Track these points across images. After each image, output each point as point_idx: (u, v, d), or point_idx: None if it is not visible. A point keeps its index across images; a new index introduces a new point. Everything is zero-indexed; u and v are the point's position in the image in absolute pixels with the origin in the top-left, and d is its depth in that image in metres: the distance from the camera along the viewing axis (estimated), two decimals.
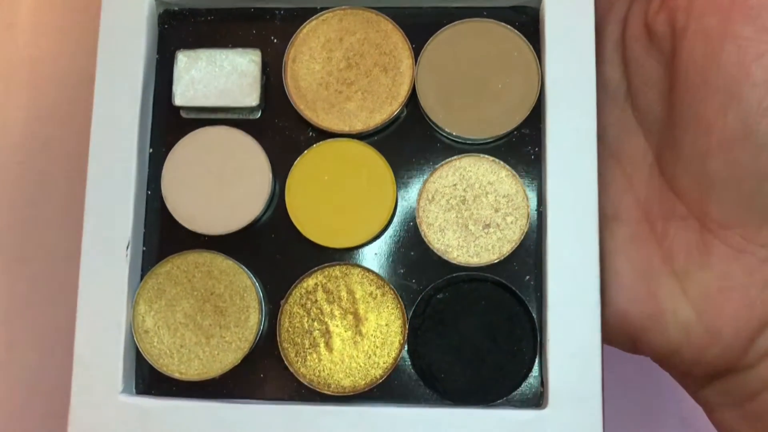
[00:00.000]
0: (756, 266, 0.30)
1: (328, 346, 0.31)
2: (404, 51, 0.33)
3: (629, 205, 0.32)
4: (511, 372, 0.31)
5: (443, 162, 0.32)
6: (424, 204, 0.32)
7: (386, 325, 0.31)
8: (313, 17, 0.33)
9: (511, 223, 0.31)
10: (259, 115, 0.33)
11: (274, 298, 0.32)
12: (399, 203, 0.32)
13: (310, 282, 0.32)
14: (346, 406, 0.30)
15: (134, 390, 0.32)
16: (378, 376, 0.31)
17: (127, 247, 0.32)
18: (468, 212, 0.31)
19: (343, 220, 0.32)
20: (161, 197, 0.32)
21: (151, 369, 0.32)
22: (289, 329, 0.31)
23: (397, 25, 0.33)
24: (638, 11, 0.32)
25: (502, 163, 0.32)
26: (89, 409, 0.30)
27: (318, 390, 0.31)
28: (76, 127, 0.42)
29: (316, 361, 0.31)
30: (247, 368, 0.31)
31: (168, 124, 0.33)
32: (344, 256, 0.32)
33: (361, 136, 0.32)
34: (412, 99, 0.32)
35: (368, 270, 0.32)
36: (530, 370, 0.31)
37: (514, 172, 0.32)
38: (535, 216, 0.32)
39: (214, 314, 0.32)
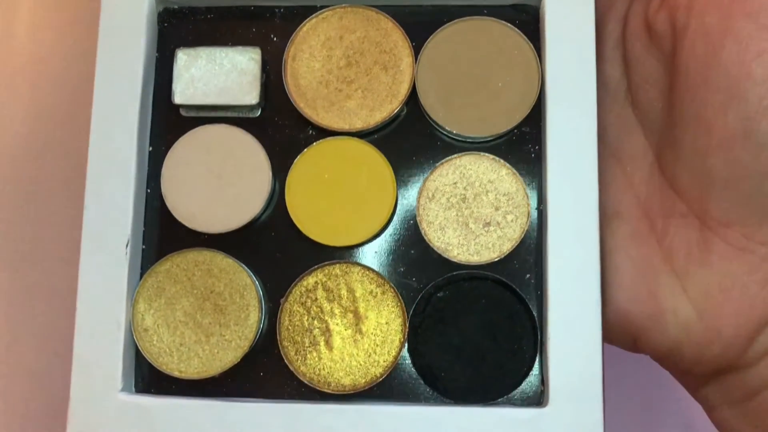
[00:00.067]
0: (756, 264, 0.30)
1: (328, 344, 0.31)
2: (404, 49, 0.32)
3: (629, 204, 0.32)
4: (511, 370, 0.31)
5: (443, 160, 0.32)
6: (425, 202, 0.32)
7: (386, 323, 0.31)
8: (313, 15, 0.33)
9: (512, 221, 0.31)
10: (259, 113, 0.33)
11: (274, 296, 0.32)
12: (399, 201, 0.32)
13: (310, 280, 0.32)
14: (346, 405, 0.30)
15: (134, 388, 0.32)
16: (378, 375, 0.31)
17: (127, 246, 0.31)
18: (468, 210, 0.31)
19: (343, 219, 0.32)
20: (161, 195, 0.32)
21: (151, 367, 0.31)
22: (289, 327, 0.31)
23: (398, 23, 0.33)
24: (639, 9, 0.32)
25: (502, 161, 0.32)
26: (89, 407, 0.30)
27: (318, 388, 0.31)
28: (76, 127, 0.42)
29: (316, 359, 0.31)
30: (246, 367, 0.31)
31: (168, 122, 0.33)
32: (344, 254, 0.32)
33: (361, 135, 0.32)
34: (413, 97, 0.32)
35: (368, 268, 0.32)
36: (531, 368, 0.31)
37: (515, 171, 0.32)
38: (536, 214, 0.32)
39: (214, 313, 0.32)
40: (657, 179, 0.32)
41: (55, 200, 0.42)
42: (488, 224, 0.31)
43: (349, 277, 0.32)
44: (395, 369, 0.31)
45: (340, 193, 0.32)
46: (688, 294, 0.31)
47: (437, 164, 0.32)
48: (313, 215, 0.32)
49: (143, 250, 0.32)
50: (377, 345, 0.31)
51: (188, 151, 0.32)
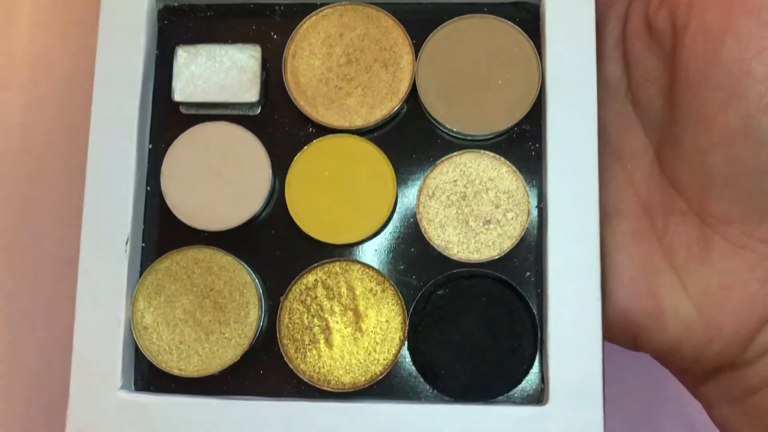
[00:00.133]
0: (756, 262, 0.30)
1: (328, 342, 0.31)
2: (404, 47, 0.32)
3: (629, 202, 0.32)
4: (511, 368, 0.31)
5: (443, 158, 0.32)
6: (425, 200, 0.32)
7: (386, 321, 0.31)
8: (313, 13, 0.33)
9: (512, 219, 0.31)
10: (259, 110, 0.33)
11: (274, 294, 0.32)
12: (399, 199, 0.32)
13: (310, 278, 0.32)
14: (346, 403, 0.30)
15: (133, 386, 0.32)
16: (378, 373, 0.31)
17: (127, 243, 0.31)
18: (468, 208, 0.31)
19: (343, 216, 0.32)
20: (161, 193, 0.32)
21: (150, 365, 0.31)
22: (289, 325, 0.31)
23: (398, 20, 0.33)
24: (639, 8, 0.32)
25: (502, 159, 0.32)
26: (88, 405, 0.30)
27: (318, 386, 0.31)
28: (76, 125, 0.42)
29: (316, 357, 0.31)
30: (246, 365, 0.31)
31: (167, 119, 0.33)
32: (344, 252, 0.32)
33: (361, 132, 0.32)
34: (413, 95, 0.32)
35: (368, 266, 0.32)
36: (531, 366, 0.31)
37: (515, 168, 0.32)
38: (536, 212, 0.32)
39: (214, 310, 0.31)
40: (657, 177, 0.32)
41: (55, 198, 0.42)
42: (488, 222, 0.31)
43: (349, 275, 0.32)
44: (395, 367, 0.31)
45: (340, 190, 0.32)
46: (688, 292, 0.31)
47: (437, 162, 0.32)
48: (313, 213, 0.32)
49: (143, 247, 0.32)
50: (377, 343, 0.31)
51: (188, 149, 0.32)
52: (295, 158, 0.32)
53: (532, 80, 0.32)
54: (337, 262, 0.32)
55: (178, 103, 0.33)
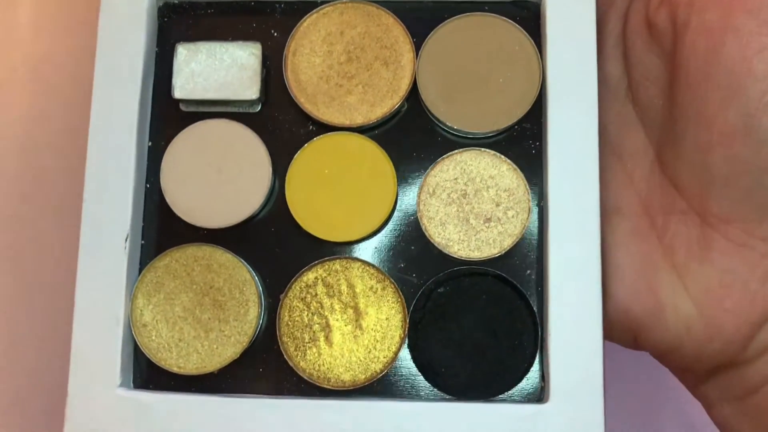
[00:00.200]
0: (756, 261, 0.30)
1: (328, 340, 0.31)
2: (405, 45, 0.32)
3: (630, 200, 0.32)
4: (511, 366, 0.31)
5: (444, 156, 0.32)
6: (425, 198, 0.32)
7: (386, 319, 0.31)
8: (314, 10, 0.33)
9: (512, 217, 0.31)
10: (259, 108, 0.33)
11: (274, 291, 0.32)
12: (399, 197, 0.32)
13: (310, 276, 0.32)
14: (346, 401, 0.30)
15: (132, 384, 0.31)
16: (378, 371, 0.31)
17: (126, 240, 0.31)
18: (469, 206, 0.31)
19: (344, 214, 0.32)
20: (160, 190, 0.32)
21: (149, 363, 0.31)
22: (289, 323, 0.31)
23: (398, 18, 0.33)
24: (639, 6, 0.32)
25: (503, 157, 0.32)
26: (87, 402, 0.30)
27: (318, 384, 0.31)
28: (76, 123, 0.42)
29: (316, 355, 0.31)
30: (246, 362, 0.31)
31: (167, 117, 0.33)
32: (344, 250, 0.32)
33: (361, 130, 0.32)
34: (413, 93, 0.32)
35: (369, 264, 0.31)
36: (531, 364, 0.31)
37: (516, 167, 0.32)
38: (536, 210, 0.32)
39: (213, 308, 0.31)
40: (657, 176, 0.32)
41: (55, 197, 0.42)
42: (489, 220, 0.31)
43: (350, 273, 0.31)
44: (395, 365, 0.31)
45: (340, 188, 0.32)
46: (688, 290, 0.31)
47: (438, 160, 0.32)
48: (313, 211, 0.32)
49: (142, 245, 0.32)
50: (377, 341, 0.31)
51: (188, 146, 0.32)
52: (295, 156, 0.32)
53: (532, 79, 0.32)
54: (338, 260, 0.32)
55: (178, 101, 0.33)
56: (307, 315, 0.31)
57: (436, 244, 0.31)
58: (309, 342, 0.31)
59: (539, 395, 0.31)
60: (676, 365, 0.33)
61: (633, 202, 0.32)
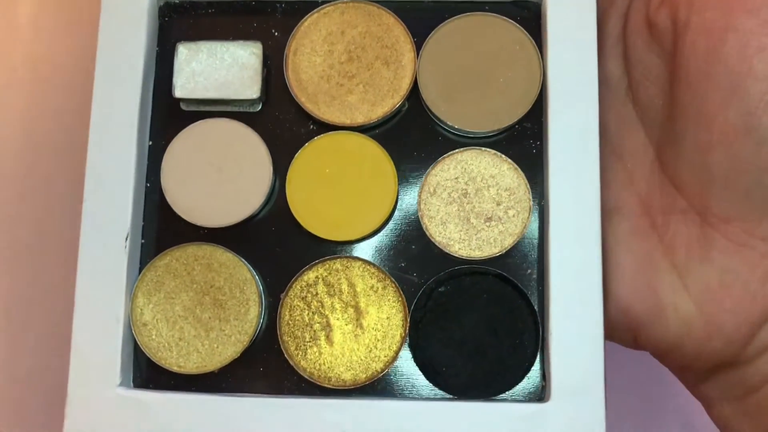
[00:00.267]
0: (757, 260, 0.30)
1: (329, 339, 0.31)
2: (406, 44, 0.32)
3: (630, 200, 0.32)
4: (512, 366, 0.31)
5: (445, 155, 0.32)
6: (426, 197, 0.32)
7: (387, 318, 0.31)
8: (315, 10, 0.33)
9: (513, 216, 0.31)
10: (260, 107, 0.33)
11: (274, 291, 0.32)
12: (400, 196, 0.32)
13: (310, 275, 0.32)
14: (347, 400, 0.30)
15: (132, 383, 0.31)
16: (379, 370, 0.31)
17: (126, 240, 0.31)
18: (470, 205, 0.31)
19: (344, 213, 0.32)
20: (161, 189, 0.32)
21: (149, 362, 0.31)
22: (290, 322, 0.31)
23: (399, 18, 0.33)
24: (640, 6, 0.32)
25: (504, 156, 0.32)
26: (86, 402, 0.30)
27: (318, 383, 0.31)
28: (76, 124, 0.42)
29: (317, 354, 0.31)
30: (246, 362, 0.31)
31: (168, 116, 0.33)
32: (345, 249, 0.32)
33: (362, 129, 0.32)
34: (414, 92, 0.32)
35: (369, 263, 0.31)
36: (532, 363, 0.31)
37: (516, 166, 0.32)
38: (537, 209, 0.32)
39: (214, 307, 0.31)
40: (657, 175, 0.32)
41: (55, 196, 0.42)
42: (490, 219, 0.31)
43: (350, 272, 0.31)
44: (396, 364, 0.31)
45: (341, 187, 0.32)
46: (688, 290, 0.31)
47: (439, 159, 0.32)
48: (313, 210, 0.32)
49: (142, 244, 0.32)
50: (378, 340, 0.31)
51: (188, 145, 0.32)
52: (296, 155, 0.32)
53: (533, 78, 0.32)
54: (338, 259, 0.32)
55: (179, 100, 0.33)
56: (308, 314, 0.31)
57: (436, 244, 0.31)
58: (310, 341, 0.31)
59: (540, 394, 0.31)
60: (676, 365, 0.33)
61: (633, 201, 0.32)
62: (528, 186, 0.31)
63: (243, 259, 0.32)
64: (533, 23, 0.33)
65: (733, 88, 0.28)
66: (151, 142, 0.33)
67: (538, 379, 0.31)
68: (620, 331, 0.32)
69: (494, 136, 0.32)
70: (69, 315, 0.31)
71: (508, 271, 0.31)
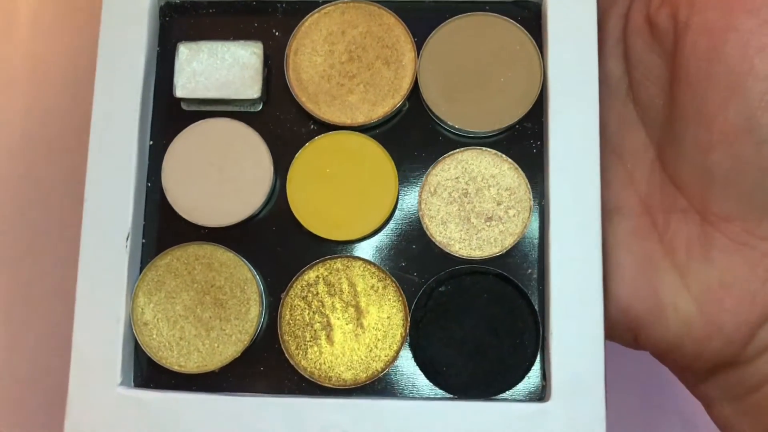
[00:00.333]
0: (757, 260, 0.30)
1: (330, 338, 0.31)
2: (406, 44, 0.33)
3: (630, 200, 0.32)
4: (513, 365, 0.31)
5: (445, 155, 0.32)
6: (426, 197, 0.32)
7: (388, 318, 0.31)
8: (316, 10, 0.33)
9: (514, 216, 0.31)
10: (261, 107, 0.33)
11: (275, 290, 0.32)
12: (401, 196, 0.32)
13: (311, 274, 0.32)
14: (347, 399, 0.30)
15: (132, 383, 0.31)
16: (379, 369, 0.31)
17: (127, 239, 0.31)
18: (470, 205, 0.31)
19: (345, 213, 0.32)
20: (161, 189, 0.32)
21: (150, 362, 0.31)
22: (290, 322, 0.31)
23: (400, 18, 0.33)
24: (640, 6, 0.32)
25: (504, 156, 0.32)
26: (87, 401, 0.30)
27: (319, 383, 0.31)
28: (77, 122, 0.42)
29: (317, 353, 0.31)
30: (247, 361, 0.31)
31: (169, 116, 0.33)
32: (346, 248, 0.32)
33: (363, 129, 0.32)
34: (415, 92, 0.32)
35: (370, 263, 0.31)
36: (532, 363, 0.31)
37: (517, 166, 0.32)
38: (538, 209, 0.32)
39: (214, 307, 0.31)
40: (658, 175, 0.32)
41: (55, 196, 0.42)
42: (490, 219, 0.31)
43: (351, 272, 0.31)
44: (396, 364, 0.31)
45: (341, 187, 0.32)
46: (689, 289, 0.31)
47: (439, 159, 0.32)
48: (314, 210, 0.32)
49: (143, 243, 0.32)
50: (378, 339, 0.31)
51: (189, 145, 0.32)
52: (296, 155, 0.32)
53: (533, 78, 0.32)
54: (339, 259, 0.32)
55: (180, 100, 0.33)
56: (309, 314, 0.31)
57: (437, 243, 0.31)
58: (310, 340, 0.31)
59: (540, 394, 0.31)
60: (676, 364, 0.33)
61: (633, 201, 0.32)
62: (528, 186, 0.31)
63: (244, 259, 0.32)
64: (534, 23, 0.33)
65: (733, 87, 0.28)
66: (151, 142, 0.33)
67: (539, 378, 0.31)
68: (620, 330, 0.32)
69: (495, 135, 0.32)
70: (69, 315, 0.31)
71: (508, 271, 0.31)
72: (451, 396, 0.31)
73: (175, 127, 0.33)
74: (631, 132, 0.33)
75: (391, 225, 0.32)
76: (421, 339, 0.31)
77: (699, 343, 0.31)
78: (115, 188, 0.32)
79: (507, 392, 0.31)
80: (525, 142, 0.32)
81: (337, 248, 0.32)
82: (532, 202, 0.31)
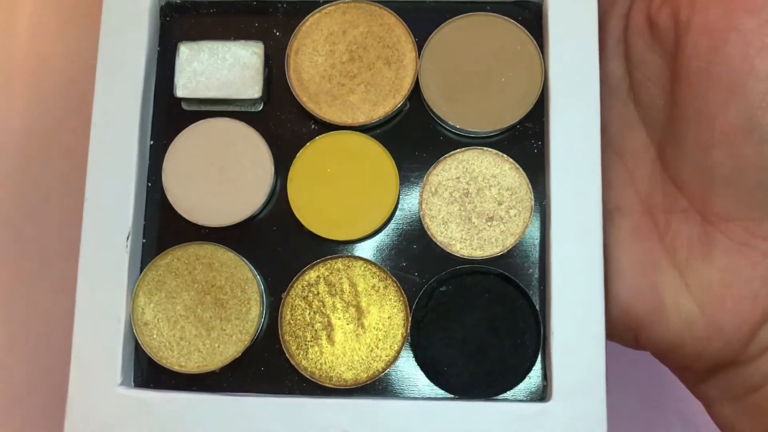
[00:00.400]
0: (758, 259, 0.30)
1: (330, 338, 0.31)
2: (407, 44, 0.33)
3: (631, 199, 0.32)
4: (514, 365, 0.31)
5: (446, 155, 0.32)
6: (427, 197, 0.32)
7: (389, 317, 0.31)
8: (316, 10, 0.33)
9: (515, 216, 0.31)
10: (262, 107, 0.33)
11: (276, 290, 0.32)
12: (402, 196, 0.32)
13: (312, 274, 0.32)
14: (348, 399, 0.30)
15: (133, 383, 0.31)
16: (380, 369, 0.31)
17: (128, 239, 0.31)
18: (471, 205, 0.31)
19: (346, 213, 0.32)
20: (162, 189, 0.32)
21: (150, 362, 0.31)
22: (291, 322, 0.31)
23: (401, 18, 0.33)
24: (641, 6, 0.32)
25: (505, 156, 0.32)
26: (87, 401, 0.30)
27: (319, 383, 0.31)
28: (77, 124, 0.42)
29: (318, 353, 0.31)
30: (247, 361, 0.31)
31: (169, 116, 0.33)
32: (346, 248, 0.32)
33: (364, 129, 0.32)
34: (416, 92, 0.32)
35: (371, 262, 0.31)
36: (533, 363, 0.31)
37: (518, 166, 0.32)
38: (539, 209, 0.32)
39: (215, 307, 0.31)
40: (659, 175, 0.32)
41: (56, 195, 0.42)
42: (491, 219, 0.31)
43: (352, 272, 0.31)
44: (397, 364, 0.31)
45: (342, 187, 0.32)
46: (690, 289, 0.31)
47: (440, 159, 0.32)
48: (315, 209, 0.32)
49: (144, 243, 0.32)
50: (379, 339, 0.31)
51: (190, 145, 0.32)
52: (297, 154, 0.32)
53: (534, 78, 0.32)
54: (340, 259, 0.32)
55: (180, 100, 0.33)
56: (309, 314, 0.31)
57: (438, 243, 0.31)
58: (311, 340, 0.31)
59: (541, 394, 0.31)
60: (676, 364, 0.33)
61: (634, 201, 0.32)
62: (529, 186, 0.31)
63: (244, 259, 0.32)
64: (534, 23, 0.33)
65: (734, 87, 0.28)
66: (152, 142, 0.33)
67: (540, 378, 0.31)
68: (621, 330, 0.32)
69: (496, 135, 0.32)
70: (69, 315, 0.31)
71: (509, 271, 0.31)
72: (452, 396, 0.31)
73: (176, 126, 0.33)
74: (632, 132, 0.33)
75: (392, 225, 0.32)
76: (422, 339, 0.31)
77: (700, 342, 0.31)
78: (116, 188, 0.32)
79: (508, 392, 0.31)
80: (526, 142, 0.32)
81: (338, 248, 0.32)
82: (533, 202, 0.31)
